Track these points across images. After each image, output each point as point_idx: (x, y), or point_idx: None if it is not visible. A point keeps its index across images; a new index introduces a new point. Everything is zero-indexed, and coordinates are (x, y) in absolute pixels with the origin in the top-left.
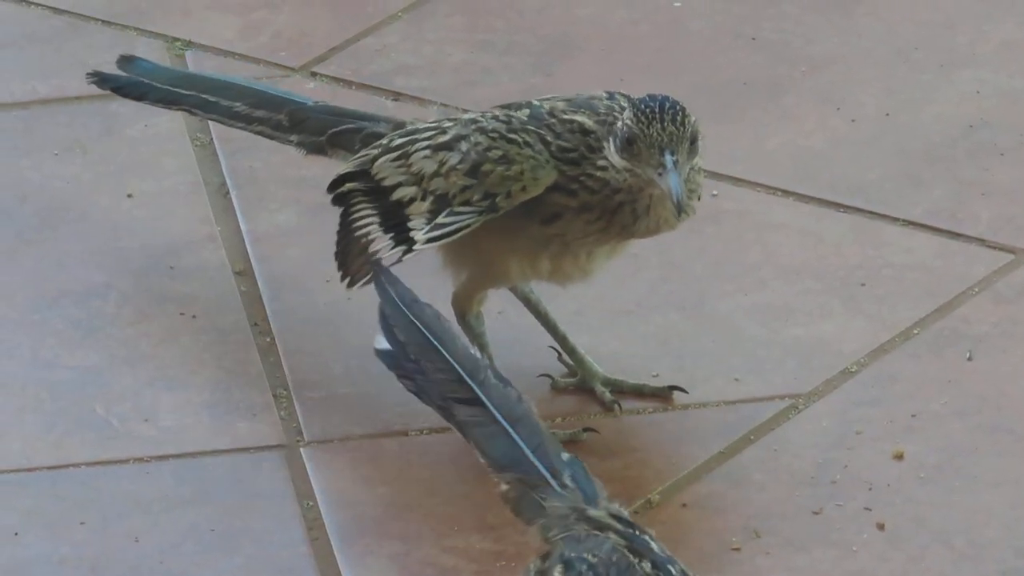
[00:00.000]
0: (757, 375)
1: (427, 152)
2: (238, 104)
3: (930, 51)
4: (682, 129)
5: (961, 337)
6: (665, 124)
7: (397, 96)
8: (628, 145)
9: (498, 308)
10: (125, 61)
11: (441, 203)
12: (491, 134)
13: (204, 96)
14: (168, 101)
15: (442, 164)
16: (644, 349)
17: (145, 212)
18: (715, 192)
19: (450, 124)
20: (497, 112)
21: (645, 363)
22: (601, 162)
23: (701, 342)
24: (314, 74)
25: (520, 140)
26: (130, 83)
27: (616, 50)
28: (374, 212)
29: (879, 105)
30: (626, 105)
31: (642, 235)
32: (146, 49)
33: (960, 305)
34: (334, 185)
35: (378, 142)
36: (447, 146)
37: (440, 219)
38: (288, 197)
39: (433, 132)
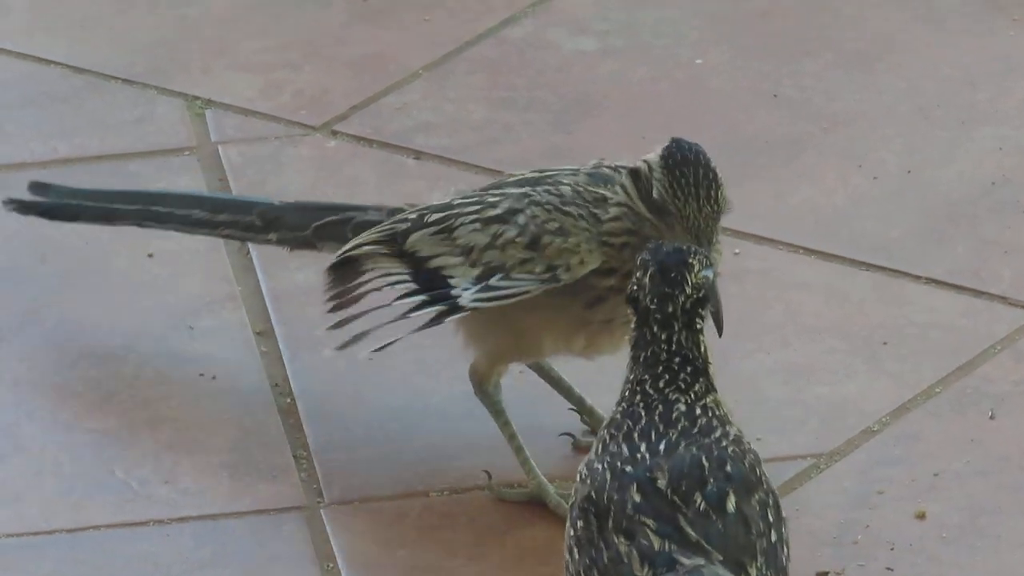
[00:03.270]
0: (779, 434)
1: (477, 226)
2: (197, 211)
3: (951, 108)
4: (716, 208)
5: (983, 396)
6: (701, 203)
7: (418, 155)
8: (658, 210)
9: (518, 367)
10: (39, 188)
11: (495, 270)
12: (546, 206)
13: (154, 208)
14: (108, 218)
15: (496, 237)
16: None
17: (165, 271)
18: (737, 250)
19: (498, 198)
20: (541, 188)
21: None
22: (613, 210)
23: (726, 401)
24: (335, 132)
25: (575, 213)
26: (57, 207)
27: (637, 108)
28: (404, 270)
29: (901, 162)
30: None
31: None
32: (166, 108)
33: (982, 364)
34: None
35: (398, 218)
36: (501, 219)
37: (493, 281)
38: (307, 256)
39: (480, 207)
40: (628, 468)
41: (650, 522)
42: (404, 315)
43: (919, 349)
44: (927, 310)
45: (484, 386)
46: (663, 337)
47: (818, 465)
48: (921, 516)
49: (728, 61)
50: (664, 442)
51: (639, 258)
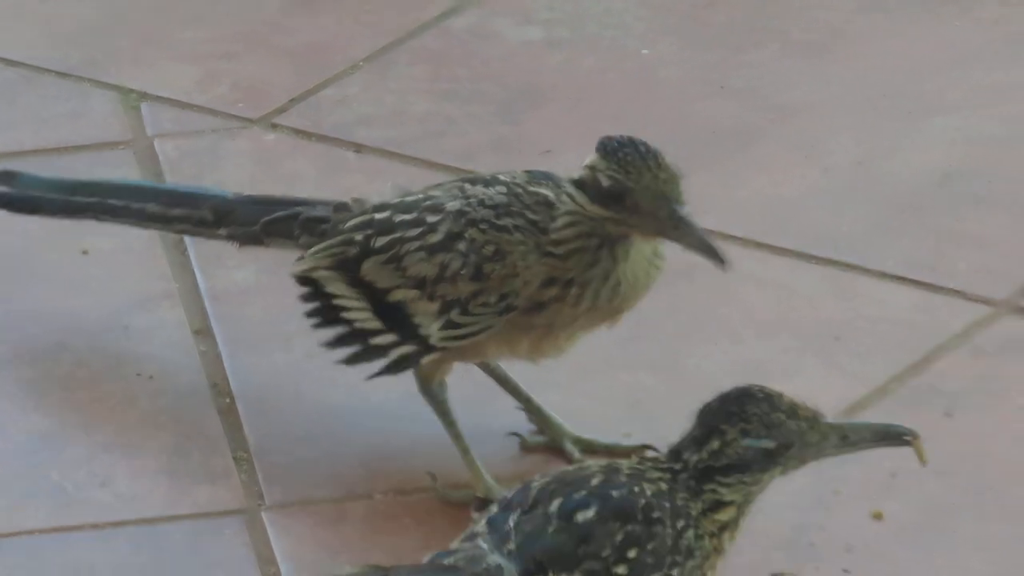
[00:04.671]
0: None
1: (422, 255)
2: (151, 205)
3: (900, 98)
4: (671, 172)
5: (939, 393)
6: (654, 170)
7: (359, 148)
8: (616, 198)
9: (462, 367)
10: (7, 176)
11: (453, 304)
12: (481, 226)
13: (109, 201)
14: (68, 211)
15: (443, 268)
16: (615, 408)
17: (100, 269)
18: None
19: (436, 218)
20: (478, 192)
21: (616, 423)
22: (562, 219)
23: (674, 400)
24: (274, 125)
25: (510, 226)
26: (18, 198)
27: (584, 99)
28: (365, 305)
29: (851, 154)
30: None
31: (627, 300)
32: (101, 101)
33: (937, 360)
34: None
35: (346, 236)
36: (443, 247)
37: (455, 316)
38: (246, 254)
39: (421, 230)
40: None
41: (494, 509)
42: (381, 354)
43: (872, 345)
44: (880, 304)
45: (429, 385)
46: (676, 458)
47: None
48: (878, 516)
49: (676, 52)
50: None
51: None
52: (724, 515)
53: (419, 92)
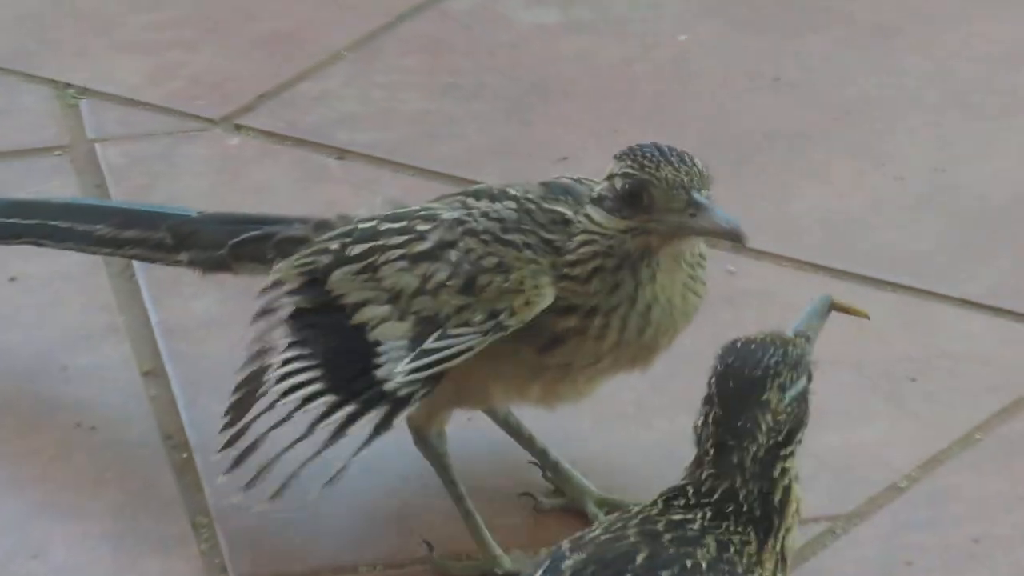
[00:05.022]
0: None
1: (403, 264)
2: (101, 227)
3: (989, 93)
4: (695, 166)
5: None
6: (677, 164)
7: (342, 154)
8: (633, 199)
9: (466, 413)
10: None
11: (428, 326)
12: (483, 236)
13: (52, 223)
14: (3, 236)
15: (426, 279)
16: (646, 461)
17: (31, 299)
18: (731, 268)
19: (428, 227)
20: (481, 205)
21: (648, 479)
22: (580, 236)
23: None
24: (239, 127)
25: (519, 242)
26: None
27: (608, 95)
28: (309, 363)
29: (929, 160)
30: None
31: (661, 333)
32: (33, 98)
33: None
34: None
35: (319, 246)
36: (431, 255)
37: (430, 343)
38: (206, 281)
39: (407, 238)
40: (564, 546)
41: None
42: (333, 438)
43: (953, 386)
44: (963, 338)
45: (425, 435)
46: (712, 487)
47: (833, 530)
48: None
49: (718, 37)
50: (613, 534)
51: (709, 379)
52: (794, 502)
53: (412, 87)
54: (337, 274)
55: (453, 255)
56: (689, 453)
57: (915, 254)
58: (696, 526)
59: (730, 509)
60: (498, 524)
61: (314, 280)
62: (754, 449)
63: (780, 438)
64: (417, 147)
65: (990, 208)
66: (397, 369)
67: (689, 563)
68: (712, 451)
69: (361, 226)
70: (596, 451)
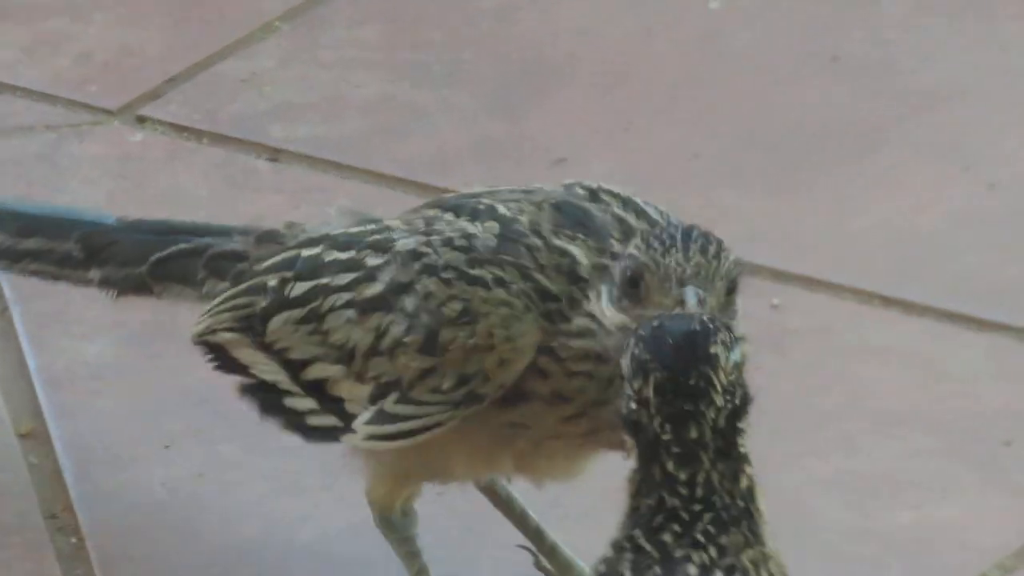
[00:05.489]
0: None
1: (351, 314)
2: None
3: None
4: (715, 263)
5: None
6: (690, 253)
7: (275, 154)
8: (631, 287)
9: (437, 488)
10: None
11: (390, 388)
12: (444, 275)
13: None
14: None
15: (380, 335)
16: None
17: None
18: (776, 301)
19: (378, 260)
20: (447, 228)
21: None
22: (579, 321)
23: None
24: (142, 119)
25: (488, 279)
26: None
27: (620, 78)
28: (282, 374)
29: None
30: (661, 227)
31: None
32: None
33: None
34: (199, 337)
35: (255, 280)
36: (382, 303)
37: (390, 406)
38: (102, 318)
39: (353, 277)
40: None
41: None
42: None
43: None
44: None
45: (388, 514)
46: (682, 477)
47: None
48: None
49: (760, 5)
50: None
51: (630, 348)
52: (760, 493)
53: (367, 66)
54: (276, 321)
55: (409, 303)
56: None
57: (1012, 283)
58: (710, 563)
59: (715, 513)
60: None
61: (250, 324)
62: (713, 415)
63: (737, 402)
64: (372, 146)
65: None
66: (359, 424)
67: None
68: (667, 428)
69: (304, 253)
70: (598, 534)
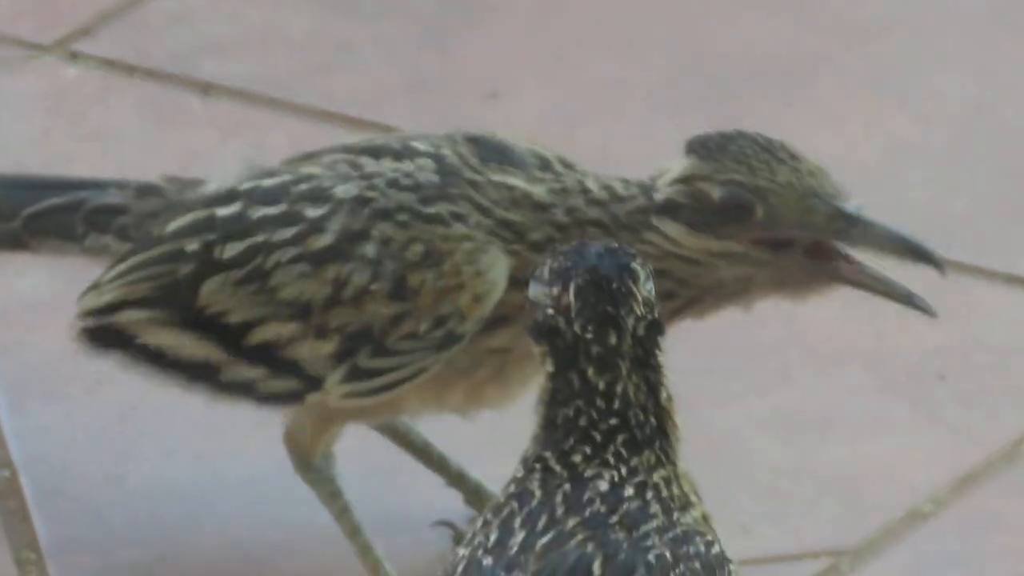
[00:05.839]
0: (777, 521)
1: (304, 268)
2: None
3: None
4: (812, 164)
5: None
6: (790, 161)
7: (207, 88)
8: (736, 217)
9: (361, 428)
10: None
11: (360, 341)
12: (399, 217)
13: None
14: None
15: (340, 285)
16: None
17: None
18: None
19: (321, 211)
20: (385, 170)
21: None
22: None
23: (690, 469)
24: (74, 55)
25: (445, 215)
26: None
27: (553, 10)
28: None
29: (966, 96)
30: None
31: None
32: None
33: None
34: (98, 314)
35: (167, 247)
36: (337, 253)
37: (365, 361)
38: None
39: (297, 230)
40: (487, 561)
41: None
42: (241, 391)
43: (995, 386)
44: (1008, 325)
45: (309, 459)
46: (600, 386)
47: (838, 567)
48: None
49: None
50: (552, 534)
51: (548, 264)
52: (666, 378)
53: (297, 2)
54: (212, 284)
55: (369, 250)
56: None
57: (947, 218)
58: (619, 481)
59: (629, 433)
60: (406, 561)
61: (171, 294)
62: (632, 323)
63: (653, 317)
64: (304, 81)
65: None
66: (330, 386)
67: (652, 558)
68: (590, 330)
69: (222, 213)
70: None
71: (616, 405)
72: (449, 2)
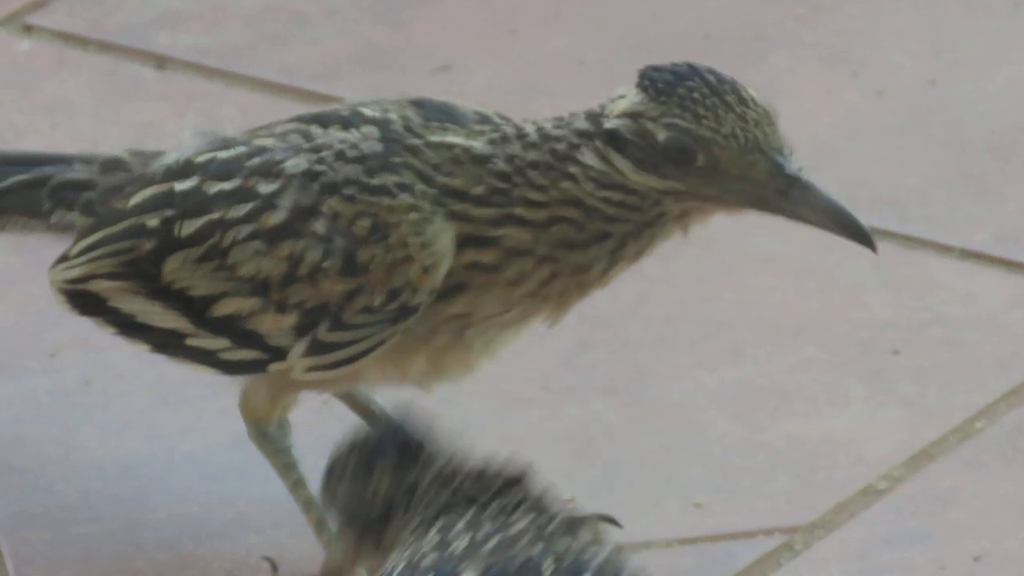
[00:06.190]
0: (729, 497)
1: (259, 245)
2: None
3: None
4: (762, 109)
5: None
6: (740, 108)
7: (161, 62)
8: (678, 160)
9: (320, 397)
10: None
11: (318, 315)
12: (346, 191)
13: None
14: None
15: (295, 263)
16: (554, 457)
17: None
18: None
19: (272, 187)
20: (332, 141)
21: (556, 478)
22: (566, 181)
23: (642, 446)
24: (28, 28)
25: (391, 185)
26: None
27: None
28: (178, 319)
29: (920, 69)
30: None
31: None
32: None
33: None
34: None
35: (129, 222)
36: (290, 230)
37: (324, 334)
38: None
39: (251, 207)
40: (426, 562)
41: None
42: (205, 358)
43: (949, 361)
44: (962, 299)
45: (263, 426)
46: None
47: (791, 545)
48: None
49: None
50: (498, 537)
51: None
52: None
53: None
54: (173, 262)
55: (320, 227)
56: (609, 446)
57: (901, 191)
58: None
59: None
60: None
61: (137, 268)
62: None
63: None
64: (257, 54)
65: (997, 132)
66: (294, 359)
67: (599, 563)
68: None
69: (179, 188)
70: (491, 445)
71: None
72: None
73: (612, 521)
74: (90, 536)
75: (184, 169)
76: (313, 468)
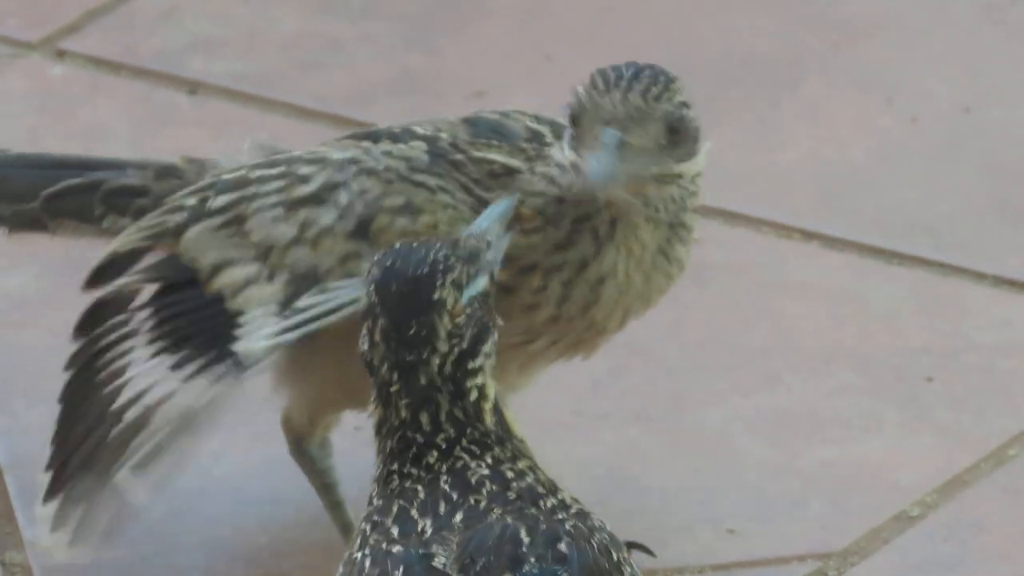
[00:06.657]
0: (763, 523)
1: (279, 212)
2: None
3: None
4: (652, 104)
5: None
6: (628, 94)
7: (194, 87)
8: (573, 126)
9: (354, 422)
10: None
11: (304, 284)
12: (385, 175)
13: None
14: None
15: (305, 227)
16: (587, 482)
17: None
18: (696, 235)
19: (312, 169)
20: (384, 146)
21: (589, 504)
22: (540, 169)
23: (675, 471)
24: (62, 53)
25: (432, 185)
26: None
27: (540, 8)
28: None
29: (955, 96)
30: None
31: (613, 310)
32: None
33: None
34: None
35: (171, 204)
36: (314, 199)
37: (304, 301)
38: (23, 249)
39: (285, 183)
40: (396, 548)
41: None
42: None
43: (984, 388)
44: (997, 326)
45: (304, 444)
46: (423, 421)
47: (824, 571)
48: None
49: None
50: (463, 511)
51: (367, 283)
52: (489, 400)
53: (285, 0)
54: (192, 232)
55: (343, 196)
56: (641, 472)
57: (935, 218)
58: (494, 464)
59: (468, 437)
60: None
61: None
62: (438, 362)
63: (465, 345)
64: (291, 80)
65: None
66: (257, 339)
67: (569, 527)
68: (394, 375)
69: (226, 176)
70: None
71: (447, 428)
72: (436, 1)
73: (645, 550)
74: (124, 561)
75: (236, 168)
76: (346, 494)
